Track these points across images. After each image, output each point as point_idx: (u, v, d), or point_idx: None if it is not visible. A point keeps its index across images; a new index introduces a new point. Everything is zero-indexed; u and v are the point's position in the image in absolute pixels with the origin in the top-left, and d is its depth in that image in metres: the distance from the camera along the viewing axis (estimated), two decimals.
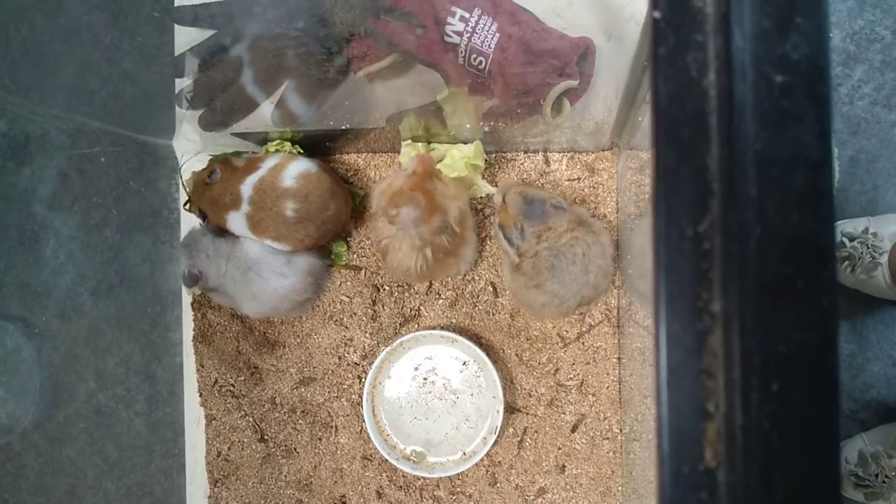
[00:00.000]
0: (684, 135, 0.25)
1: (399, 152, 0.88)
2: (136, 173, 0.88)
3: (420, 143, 0.84)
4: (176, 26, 0.80)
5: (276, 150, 0.83)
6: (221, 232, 0.81)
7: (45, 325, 0.82)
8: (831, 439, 0.22)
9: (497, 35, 0.74)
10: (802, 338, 0.24)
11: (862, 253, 1.12)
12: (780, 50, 0.24)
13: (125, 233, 0.86)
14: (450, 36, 0.74)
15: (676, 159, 0.25)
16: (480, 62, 0.74)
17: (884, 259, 1.09)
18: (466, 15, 0.74)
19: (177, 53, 0.80)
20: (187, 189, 0.88)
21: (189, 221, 0.89)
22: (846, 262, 1.12)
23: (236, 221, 0.80)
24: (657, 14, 0.25)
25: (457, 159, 0.81)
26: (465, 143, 0.83)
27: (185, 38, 0.79)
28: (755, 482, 0.24)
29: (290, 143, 0.84)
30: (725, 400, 0.25)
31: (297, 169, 0.79)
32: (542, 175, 0.87)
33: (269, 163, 0.80)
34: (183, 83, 0.82)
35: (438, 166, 0.81)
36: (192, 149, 0.89)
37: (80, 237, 0.84)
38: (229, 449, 0.89)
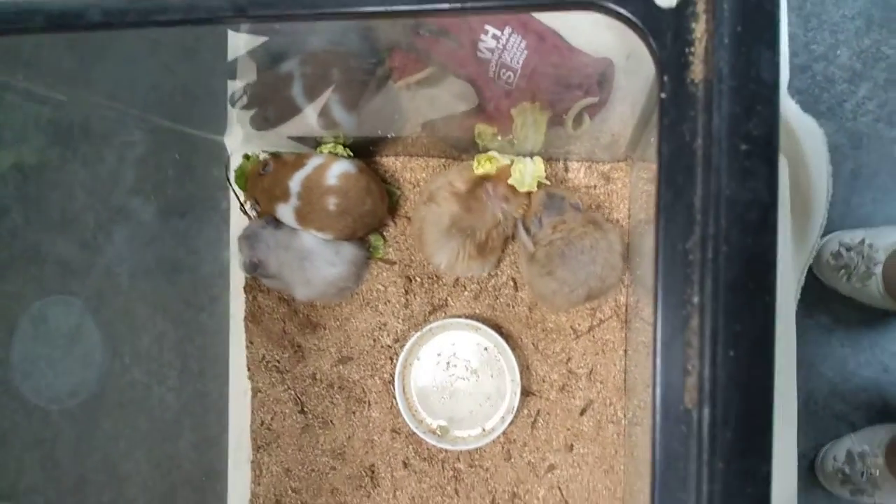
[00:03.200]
0: (679, 181, 0.36)
1: (432, 157, 0.97)
2: (190, 166, 0.95)
3: (496, 154, 0.87)
4: (228, 31, 0.86)
5: (329, 152, 0.92)
6: (278, 224, 0.91)
7: (90, 303, 0.85)
8: (766, 387, 0.34)
9: (525, 52, 0.80)
10: (752, 321, 0.35)
11: (857, 262, 1.14)
12: (745, 128, 0.35)
13: (174, 219, 0.92)
14: (482, 52, 0.80)
15: (673, 197, 0.36)
16: (509, 77, 0.81)
17: (878, 270, 1.11)
18: (498, 33, 0.80)
19: (230, 58, 0.86)
20: (236, 185, 0.96)
21: (240, 210, 0.98)
22: (842, 271, 1.15)
23: (285, 212, 0.89)
24: (663, 95, 0.36)
25: (525, 175, 0.86)
26: (524, 156, 0.88)
27: (238, 41, 0.85)
28: (718, 416, 0.36)
29: (342, 146, 0.93)
30: (699, 362, 0.36)
31: (339, 169, 0.88)
32: (561, 182, 0.95)
33: (315, 161, 0.89)
34: (235, 85, 0.90)
35: (510, 181, 0.86)
36: (241, 146, 0.98)
37: (132, 222, 0.87)
38: (272, 419, 0.98)
